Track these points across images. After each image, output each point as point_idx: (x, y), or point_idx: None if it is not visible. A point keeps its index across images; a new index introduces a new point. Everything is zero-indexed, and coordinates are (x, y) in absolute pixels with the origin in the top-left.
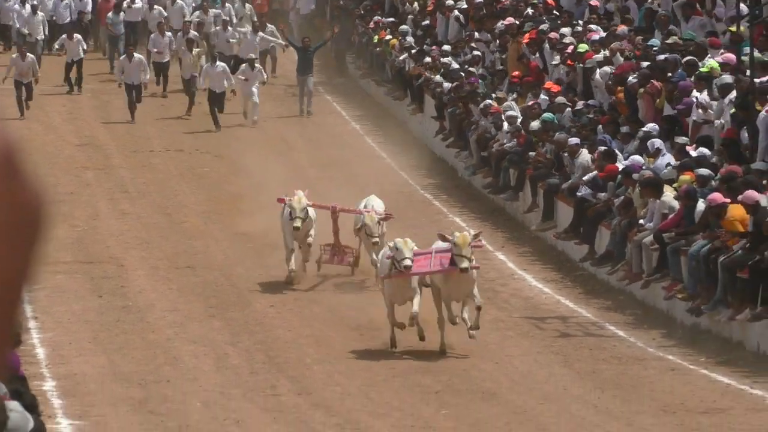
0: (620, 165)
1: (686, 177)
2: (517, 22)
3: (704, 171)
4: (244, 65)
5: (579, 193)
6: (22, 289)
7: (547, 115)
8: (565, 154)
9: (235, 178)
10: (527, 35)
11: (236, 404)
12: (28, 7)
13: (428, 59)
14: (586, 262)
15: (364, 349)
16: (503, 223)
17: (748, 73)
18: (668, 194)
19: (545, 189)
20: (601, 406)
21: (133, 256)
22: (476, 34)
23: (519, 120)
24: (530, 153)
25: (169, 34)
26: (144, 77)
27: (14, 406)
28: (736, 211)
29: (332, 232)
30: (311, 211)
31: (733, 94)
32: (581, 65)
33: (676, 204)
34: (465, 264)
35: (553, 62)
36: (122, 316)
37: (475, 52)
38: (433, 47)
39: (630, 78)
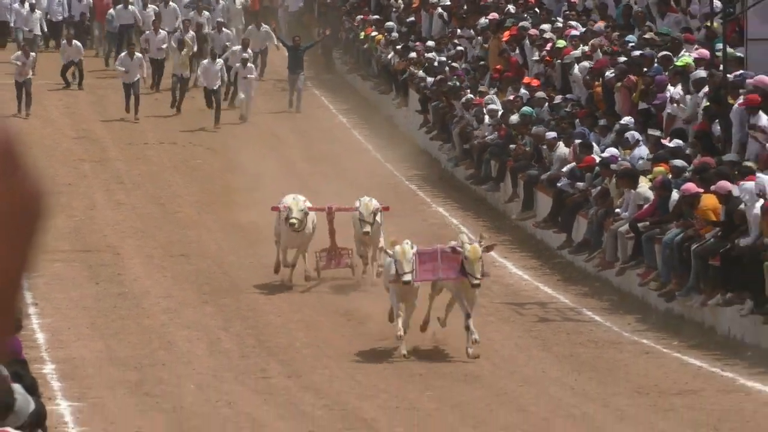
0: (597, 157)
1: (660, 168)
2: (498, 16)
3: (678, 162)
4: (237, 64)
5: (559, 184)
6: (22, 277)
7: (526, 109)
8: (544, 147)
9: (228, 171)
10: (508, 32)
11: (228, 387)
12: (26, 5)
13: (413, 55)
14: (564, 250)
15: (351, 333)
16: (485, 212)
17: (721, 68)
18: (643, 185)
19: (525, 180)
20: (578, 388)
21: (128, 245)
22: (458, 30)
23: (500, 113)
24: (511, 145)
25: (162, 32)
26: (142, 72)
27: (16, 389)
28: (709, 201)
29: (328, 234)
30: (310, 224)
31: (707, 88)
32: (559, 61)
33: (651, 194)
34: (476, 281)
35: (533, 58)
36: (119, 303)
37: (459, 48)
38: (417, 43)
39: (607, 73)
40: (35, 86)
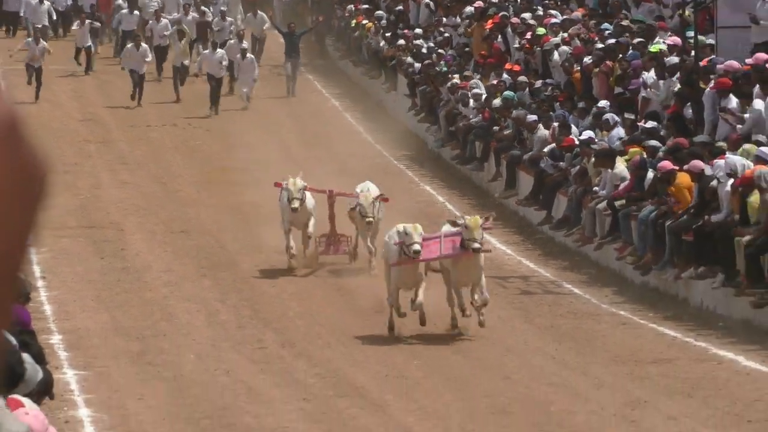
0: (575, 138)
1: (636, 149)
2: (483, 5)
3: (653, 142)
4: (237, 55)
5: (542, 164)
6: (25, 248)
7: (508, 93)
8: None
9: (225, 152)
10: (491, 20)
11: (226, 356)
12: None
13: (401, 42)
14: (545, 226)
15: (343, 304)
16: (470, 191)
17: (692, 54)
18: (620, 165)
19: (508, 160)
20: (558, 358)
21: (131, 222)
22: (444, 19)
23: (483, 97)
24: (494, 127)
25: (164, 20)
26: (147, 62)
27: (25, 358)
28: (684, 179)
29: (328, 219)
30: (310, 202)
31: (679, 73)
32: (539, 48)
33: (627, 174)
34: (476, 245)
35: (515, 45)
36: (122, 277)
37: (445, 35)
38: (405, 31)
39: (585, 59)
40: (46, 71)
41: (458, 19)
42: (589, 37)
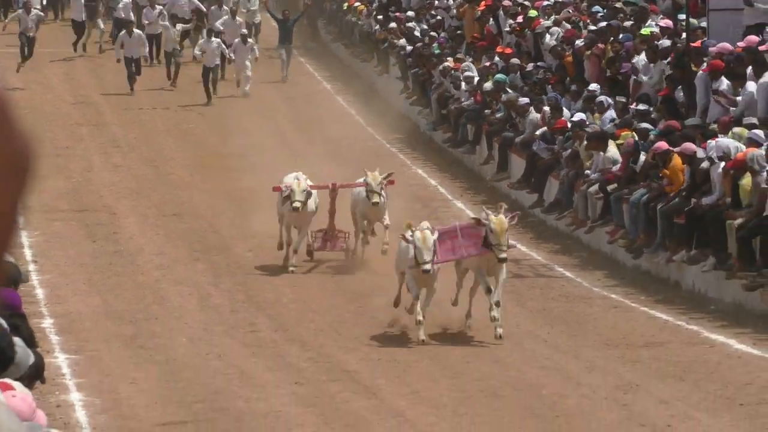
0: (567, 121)
1: (627, 133)
2: None
3: (645, 125)
4: (237, 40)
5: (534, 147)
6: (13, 229)
7: (499, 76)
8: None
9: (218, 135)
10: (483, 2)
11: (218, 340)
12: None
13: (393, 24)
14: (537, 210)
15: (335, 289)
16: (462, 174)
17: (684, 36)
18: (612, 148)
19: (500, 143)
20: (550, 341)
21: (124, 205)
22: (436, 1)
23: (476, 80)
24: (486, 111)
25: (159, 7)
26: (144, 50)
27: (16, 342)
28: (678, 161)
29: (328, 213)
30: (312, 202)
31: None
32: (529, 31)
33: (619, 157)
34: (503, 255)
35: (506, 29)
36: (114, 260)
37: (437, 18)
38: (397, 13)
39: (577, 41)
40: (38, 53)
41: (450, 2)
42: (581, 20)
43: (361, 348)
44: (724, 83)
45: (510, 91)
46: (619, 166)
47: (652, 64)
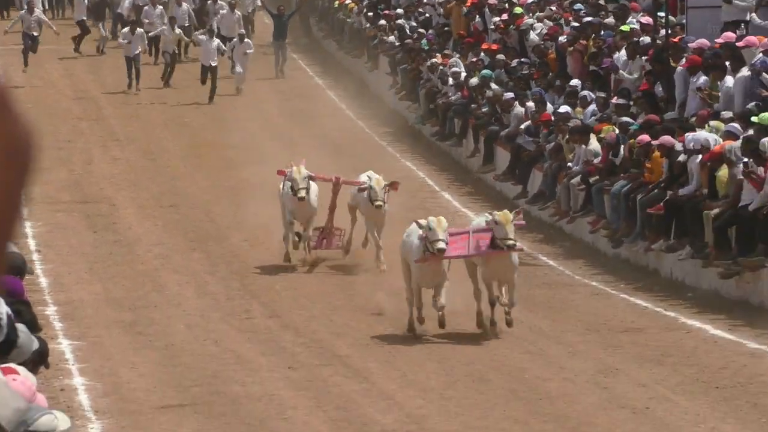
0: (551, 114)
1: (608, 127)
2: None
3: (626, 119)
4: (235, 39)
5: (520, 141)
6: (14, 217)
7: (486, 71)
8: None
9: (214, 129)
10: (469, 0)
11: (215, 326)
12: None
13: (383, 21)
14: (521, 200)
15: (326, 277)
16: (449, 166)
17: (663, 33)
18: (593, 142)
19: (485, 136)
20: (534, 327)
21: (123, 196)
22: None
23: (462, 75)
24: (472, 105)
25: (160, 7)
26: (143, 46)
27: (20, 328)
28: (657, 153)
29: (328, 209)
30: (314, 192)
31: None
32: (514, 27)
33: (600, 150)
34: (511, 242)
35: (491, 26)
36: (114, 249)
37: (426, 15)
38: (386, 11)
39: (560, 38)
40: (40, 50)
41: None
42: (563, 17)
43: (352, 333)
44: (702, 78)
45: (495, 86)
46: (600, 158)
47: (630, 61)
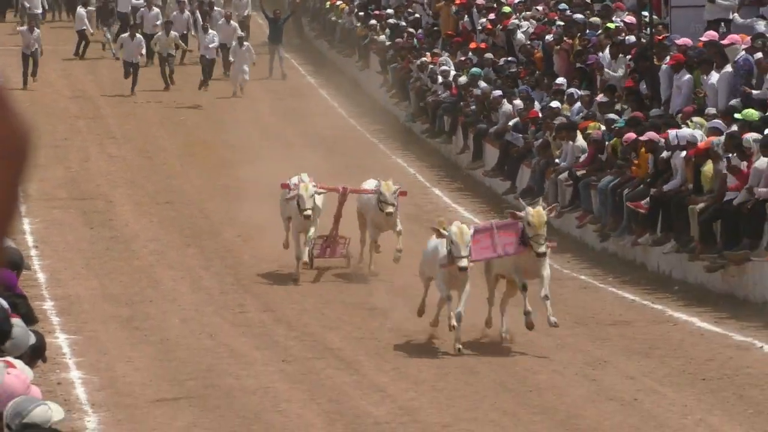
0: (538, 111)
1: (593, 124)
2: None
3: (612, 116)
4: (234, 43)
5: (508, 138)
6: (11, 211)
7: (475, 69)
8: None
9: (209, 128)
10: (458, 0)
11: (209, 320)
12: None
13: (373, 21)
14: (510, 196)
15: (318, 272)
16: (439, 163)
17: (647, 31)
18: (580, 138)
19: (475, 133)
20: (522, 320)
21: (119, 194)
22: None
23: (452, 74)
24: (461, 103)
25: (156, 9)
26: (141, 51)
27: (17, 322)
28: (644, 149)
29: (333, 218)
30: (318, 207)
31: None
32: (500, 27)
33: (586, 146)
34: (542, 248)
35: (478, 27)
36: (111, 246)
37: (415, 15)
38: (377, 11)
39: (547, 36)
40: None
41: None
42: (549, 17)
43: (344, 327)
44: (686, 76)
45: (484, 84)
46: (586, 155)
47: (613, 61)
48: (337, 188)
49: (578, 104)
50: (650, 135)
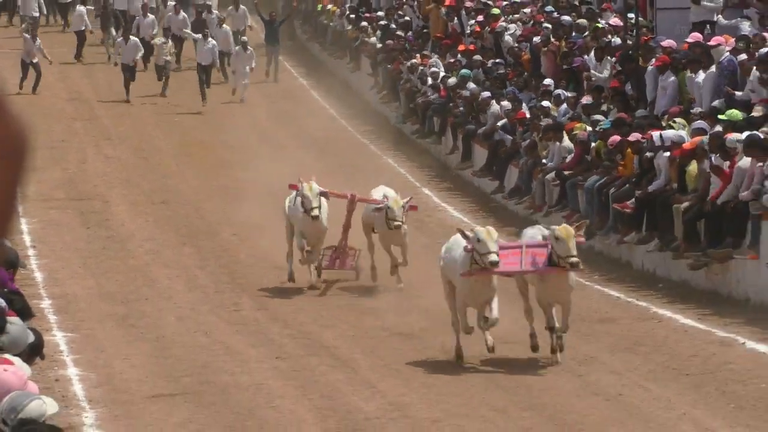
0: (527, 112)
1: (579, 125)
2: None
3: (598, 117)
4: (237, 47)
5: (497, 138)
6: (11, 209)
7: (464, 71)
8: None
9: (204, 129)
10: (447, 1)
11: (205, 318)
12: None
13: (364, 24)
14: (498, 195)
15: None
16: (428, 163)
17: (634, 32)
18: (567, 139)
19: (464, 134)
20: (510, 317)
21: (116, 194)
22: (405, 2)
23: (441, 76)
24: (450, 104)
25: (151, 17)
26: (138, 55)
27: (15, 320)
28: (629, 150)
29: (342, 228)
30: (324, 218)
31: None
32: (489, 29)
33: (572, 146)
34: (574, 259)
35: (467, 29)
36: (107, 245)
37: (405, 18)
38: (367, 14)
39: (534, 38)
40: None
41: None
42: (536, 19)
43: (338, 325)
44: (671, 77)
45: (473, 85)
46: (573, 155)
47: (598, 63)
48: (346, 194)
49: (564, 105)
50: (635, 136)
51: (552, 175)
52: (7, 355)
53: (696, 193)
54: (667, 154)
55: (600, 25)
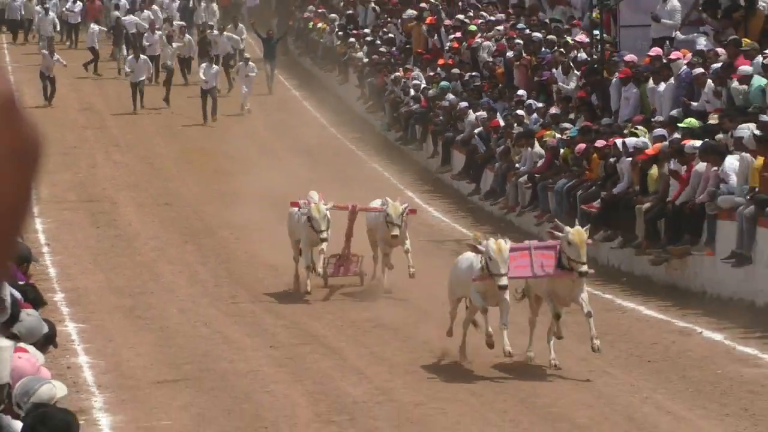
0: (501, 121)
1: (549, 132)
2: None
3: (566, 125)
4: (240, 63)
5: (474, 144)
6: (24, 211)
7: (444, 83)
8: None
9: (205, 138)
10: (428, 19)
11: (205, 310)
12: (41, 8)
13: (352, 40)
14: (475, 197)
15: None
16: (410, 167)
17: (599, 48)
18: (537, 146)
19: (443, 141)
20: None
21: (123, 196)
22: (389, 19)
23: (422, 87)
24: (431, 113)
25: (159, 32)
26: (148, 73)
27: (31, 312)
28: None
29: (345, 236)
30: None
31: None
32: (466, 45)
33: (543, 152)
34: (584, 267)
35: (446, 45)
36: (115, 243)
37: (390, 35)
38: (354, 31)
39: (508, 53)
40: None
41: (399, 21)
42: (509, 36)
43: (327, 316)
44: (633, 89)
45: (452, 96)
46: (543, 160)
47: (565, 77)
48: (347, 206)
49: (535, 115)
50: (600, 142)
51: (524, 178)
52: (21, 344)
53: (656, 195)
54: (630, 159)
55: (568, 41)
